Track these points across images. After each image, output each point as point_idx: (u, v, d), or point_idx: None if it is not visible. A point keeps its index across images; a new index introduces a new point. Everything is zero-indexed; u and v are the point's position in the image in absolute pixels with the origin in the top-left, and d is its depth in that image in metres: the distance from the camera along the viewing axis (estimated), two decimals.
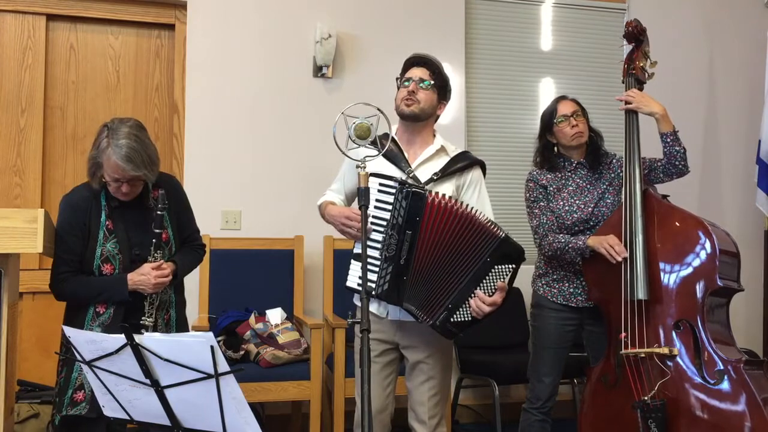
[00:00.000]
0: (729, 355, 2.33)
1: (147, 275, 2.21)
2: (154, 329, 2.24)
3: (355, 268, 2.15)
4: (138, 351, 1.55)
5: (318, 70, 3.87)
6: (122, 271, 2.25)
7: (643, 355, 2.42)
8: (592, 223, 2.66)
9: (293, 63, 3.86)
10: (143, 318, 2.22)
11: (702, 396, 2.32)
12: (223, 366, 1.52)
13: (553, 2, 4.34)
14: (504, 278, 2.13)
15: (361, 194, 1.93)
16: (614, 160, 2.75)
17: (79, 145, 3.68)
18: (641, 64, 2.73)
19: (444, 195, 2.14)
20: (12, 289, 2.25)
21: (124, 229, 2.29)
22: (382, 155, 2.15)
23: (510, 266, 2.14)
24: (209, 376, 1.52)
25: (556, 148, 2.77)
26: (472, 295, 2.13)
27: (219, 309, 3.48)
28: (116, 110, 3.73)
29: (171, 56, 3.85)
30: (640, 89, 2.71)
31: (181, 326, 2.44)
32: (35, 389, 3.06)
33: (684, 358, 2.37)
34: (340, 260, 3.60)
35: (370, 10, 3.98)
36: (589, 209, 2.66)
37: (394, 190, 2.11)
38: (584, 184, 2.71)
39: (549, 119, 2.74)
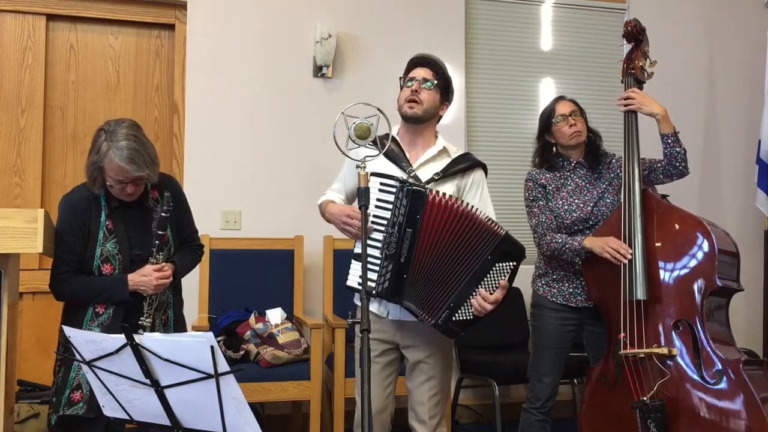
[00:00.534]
0: (728, 355, 2.33)
1: (149, 276, 2.22)
2: (152, 329, 2.24)
3: (355, 267, 2.15)
4: (138, 351, 1.55)
5: (318, 70, 3.87)
6: (122, 271, 2.25)
7: (642, 355, 2.42)
8: (591, 223, 2.66)
9: (293, 63, 3.86)
10: (141, 318, 2.22)
11: (701, 396, 2.32)
12: (223, 366, 1.52)
13: (553, 2, 4.34)
14: (505, 276, 2.14)
15: (361, 194, 1.93)
16: (614, 160, 2.75)
17: (79, 145, 3.68)
18: (640, 64, 2.73)
19: (444, 193, 2.14)
20: (12, 289, 2.25)
21: (124, 229, 2.29)
22: (383, 155, 2.15)
23: (511, 264, 2.14)
24: (209, 376, 1.52)
25: (554, 148, 2.77)
26: (474, 293, 2.13)
27: (219, 309, 3.48)
28: (116, 110, 3.73)
29: (171, 56, 3.85)
30: (640, 89, 2.70)
31: (179, 326, 2.44)
32: (35, 389, 3.06)
33: (683, 358, 2.37)
34: (340, 260, 3.60)
35: (370, 10, 3.98)
36: (589, 208, 2.66)
37: (394, 189, 2.11)
38: (583, 183, 2.71)
39: (547, 119, 2.74)
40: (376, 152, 2.04)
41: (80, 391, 2.20)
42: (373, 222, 2.12)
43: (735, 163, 4.51)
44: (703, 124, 4.50)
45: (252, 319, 3.31)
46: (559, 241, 2.60)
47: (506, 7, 4.27)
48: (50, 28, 3.71)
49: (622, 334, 2.45)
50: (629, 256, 2.46)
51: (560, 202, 2.68)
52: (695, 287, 2.41)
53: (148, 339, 1.55)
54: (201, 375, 1.53)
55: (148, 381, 1.59)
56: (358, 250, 2.16)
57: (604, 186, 2.71)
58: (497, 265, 2.13)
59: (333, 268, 3.64)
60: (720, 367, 2.30)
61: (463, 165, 2.32)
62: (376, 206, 2.11)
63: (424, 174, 2.27)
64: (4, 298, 2.16)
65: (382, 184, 2.12)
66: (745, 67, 4.52)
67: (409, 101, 2.28)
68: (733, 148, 4.50)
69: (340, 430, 3.20)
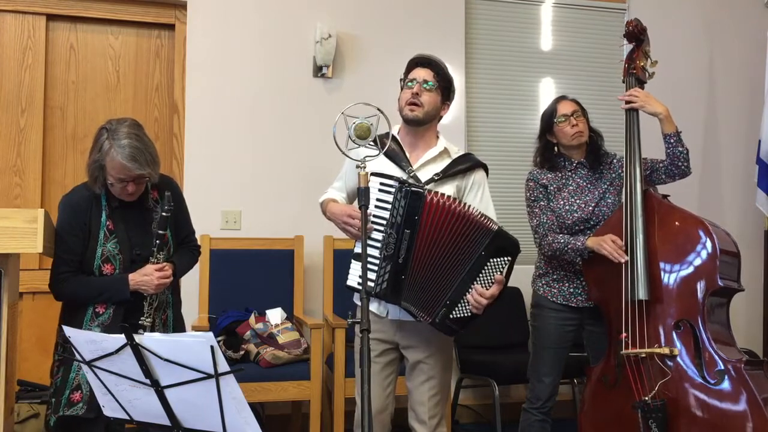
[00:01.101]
0: (729, 355, 2.33)
1: (150, 276, 2.22)
2: (152, 329, 2.24)
3: (355, 267, 2.15)
4: (138, 351, 1.55)
5: (318, 70, 3.87)
6: (123, 271, 2.25)
7: (643, 355, 2.42)
8: (592, 223, 2.66)
9: (293, 63, 3.86)
10: (141, 318, 2.22)
11: (702, 396, 2.32)
12: (223, 366, 1.52)
13: (553, 2, 4.34)
14: (500, 271, 2.13)
15: (361, 194, 1.93)
16: (615, 161, 2.75)
17: (79, 145, 3.68)
18: (642, 64, 2.73)
19: (443, 194, 2.14)
20: (12, 289, 2.25)
21: (125, 229, 2.30)
22: (384, 154, 2.15)
23: (505, 259, 2.14)
24: (209, 376, 1.52)
25: (556, 148, 2.77)
26: (470, 290, 2.12)
27: (219, 309, 3.48)
28: (116, 110, 3.73)
29: (171, 56, 3.85)
30: (641, 89, 2.70)
31: (179, 326, 2.45)
32: (35, 389, 3.05)
33: (684, 358, 2.37)
34: (340, 260, 3.60)
35: (370, 10, 3.98)
36: (590, 209, 2.66)
37: (393, 190, 2.11)
38: (585, 183, 2.71)
39: (549, 119, 2.74)
40: (377, 152, 2.03)
41: (80, 391, 2.20)
42: (372, 222, 2.12)
43: (735, 163, 4.51)
44: (703, 124, 4.50)
45: (252, 319, 3.31)
46: (561, 241, 2.60)
47: (506, 7, 4.27)
48: (50, 28, 3.71)
49: (624, 334, 2.45)
50: (622, 259, 2.46)
51: (561, 203, 2.67)
52: (696, 287, 2.40)
53: (148, 339, 1.55)
54: (201, 375, 1.53)
55: (148, 381, 1.59)
56: (358, 249, 2.16)
57: (606, 186, 2.70)
58: (492, 260, 2.13)
59: (333, 268, 3.64)
60: (721, 368, 2.30)
61: (463, 165, 2.32)
62: (376, 206, 2.11)
63: (424, 174, 2.27)
64: (4, 298, 2.16)
65: (381, 184, 2.12)
66: (745, 67, 4.52)
67: (409, 104, 2.27)
68: (733, 148, 4.50)
69: (340, 430, 3.20)
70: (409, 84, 2.30)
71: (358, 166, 1.94)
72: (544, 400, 2.70)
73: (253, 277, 3.59)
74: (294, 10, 3.87)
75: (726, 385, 2.28)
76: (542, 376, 2.70)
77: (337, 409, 3.19)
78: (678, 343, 2.39)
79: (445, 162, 2.31)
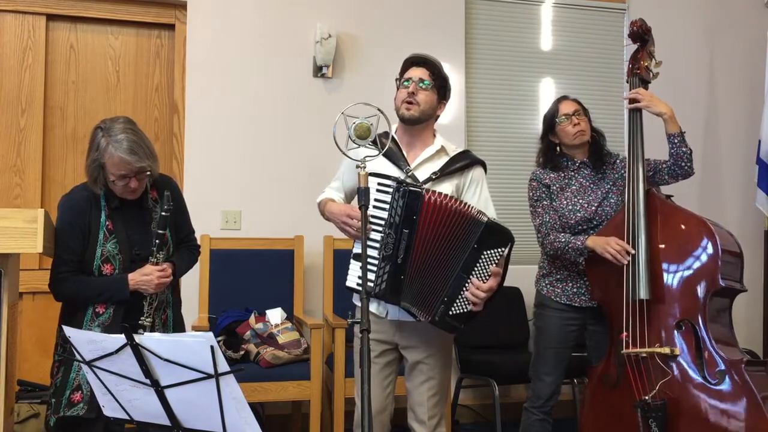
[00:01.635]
0: (730, 356, 2.33)
1: (150, 275, 2.22)
2: (152, 329, 2.24)
3: (354, 267, 2.15)
4: (138, 351, 1.55)
5: (318, 70, 3.87)
6: (122, 271, 2.25)
7: (644, 355, 2.42)
8: (595, 223, 2.66)
9: (293, 63, 3.86)
10: (141, 318, 2.22)
11: (703, 396, 2.32)
12: (223, 366, 1.52)
13: (553, 2, 4.34)
14: (495, 263, 2.12)
15: (361, 194, 1.93)
16: (618, 161, 2.75)
17: (79, 145, 3.68)
18: (645, 64, 2.73)
19: (441, 193, 2.14)
20: (12, 289, 2.25)
21: (124, 229, 2.29)
22: (382, 154, 2.15)
23: (499, 250, 2.13)
24: (209, 376, 1.52)
25: (558, 148, 2.77)
26: (466, 285, 2.12)
27: (219, 309, 3.48)
28: (116, 110, 3.72)
29: (171, 56, 3.85)
30: (645, 89, 2.71)
31: (178, 326, 2.45)
32: (35, 389, 3.05)
33: (685, 358, 2.37)
34: (340, 260, 3.59)
35: (370, 10, 3.98)
36: (593, 208, 2.66)
37: (391, 190, 2.11)
38: (587, 183, 2.71)
39: (551, 119, 2.74)
40: (376, 152, 2.03)
41: (80, 391, 2.20)
42: (371, 222, 2.11)
43: (735, 163, 4.51)
44: (703, 124, 4.50)
45: (252, 319, 3.31)
46: (563, 240, 2.60)
47: (506, 7, 4.27)
48: (50, 28, 3.71)
49: (624, 334, 2.45)
50: (625, 261, 2.46)
51: (564, 202, 2.68)
52: (698, 287, 2.41)
53: (148, 339, 1.55)
54: (201, 375, 1.53)
55: (148, 381, 1.59)
56: (356, 250, 2.16)
57: (609, 186, 2.70)
58: (485, 253, 2.12)
59: (333, 268, 3.64)
60: (722, 368, 2.30)
61: (461, 163, 2.32)
62: (374, 206, 2.11)
63: (422, 173, 2.27)
64: (4, 298, 2.16)
65: (379, 184, 2.12)
66: (745, 67, 4.52)
67: (406, 103, 2.27)
68: (733, 148, 4.50)
69: (340, 430, 3.20)
70: (405, 83, 2.30)
71: (358, 166, 1.94)
72: (545, 399, 2.70)
73: (253, 277, 3.59)
74: (294, 10, 3.87)
75: (726, 385, 2.28)
76: (543, 375, 2.71)
77: (337, 409, 3.19)
78: (679, 343, 2.39)
79: (443, 160, 2.31)
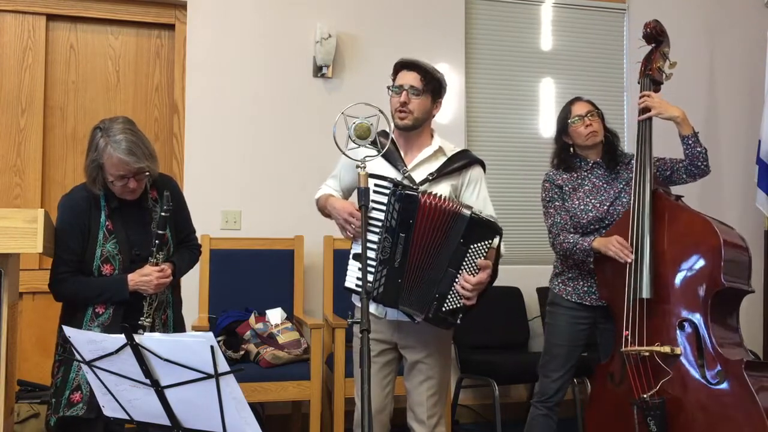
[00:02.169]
0: (731, 356, 2.32)
1: (149, 276, 2.21)
2: (152, 329, 2.24)
3: (352, 268, 2.15)
4: (138, 351, 1.55)
5: (318, 70, 3.87)
6: (122, 271, 2.25)
7: (645, 354, 2.42)
8: (607, 222, 2.67)
9: (293, 63, 3.86)
10: (141, 318, 2.22)
11: (702, 396, 2.32)
12: (223, 366, 1.52)
13: (553, 2, 4.34)
14: (482, 256, 2.12)
15: (361, 194, 1.93)
16: (631, 161, 2.75)
17: (79, 145, 3.67)
18: (658, 65, 2.75)
19: (436, 194, 2.13)
20: (12, 289, 2.25)
21: (124, 229, 2.29)
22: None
23: (485, 242, 2.11)
24: (209, 376, 1.52)
25: (572, 149, 2.77)
26: (456, 280, 2.11)
27: (219, 309, 3.48)
28: (116, 110, 3.72)
29: (171, 56, 3.85)
30: (656, 90, 2.72)
31: (179, 326, 2.44)
32: (35, 389, 3.05)
33: (686, 358, 2.38)
34: (340, 260, 3.59)
35: (370, 10, 3.98)
36: (605, 208, 2.67)
37: (387, 192, 2.10)
38: (600, 183, 2.72)
39: (564, 120, 2.75)
40: (376, 152, 2.03)
41: (80, 392, 2.20)
42: (368, 223, 2.10)
43: (735, 163, 4.51)
44: (703, 124, 4.49)
45: (252, 319, 3.31)
46: (571, 241, 2.63)
47: (506, 7, 4.27)
48: (50, 28, 3.71)
49: (626, 332, 2.46)
50: (628, 259, 2.47)
51: (576, 202, 2.69)
52: (700, 287, 2.40)
53: (148, 339, 1.55)
54: (201, 375, 1.53)
55: (148, 381, 1.59)
56: (355, 250, 2.16)
57: (622, 186, 2.71)
58: (472, 246, 2.11)
59: (333, 268, 3.64)
60: (722, 368, 2.30)
61: (459, 163, 2.31)
62: (372, 208, 2.10)
63: (419, 174, 2.26)
64: (4, 298, 2.16)
65: (376, 185, 2.11)
66: (745, 67, 4.52)
67: (399, 112, 2.26)
68: (733, 148, 4.50)
69: (340, 430, 3.20)
70: (396, 90, 2.28)
71: (358, 166, 1.94)
72: (550, 395, 2.72)
73: (253, 277, 3.59)
74: (294, 10, 3.87)
75: (726, 385, 2.28)
76: (550, 372, 2.73)
77: (337, 409, 3.19)
78: (680, 343, 2.40)
79: (440, 161, 2.30)
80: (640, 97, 2.70)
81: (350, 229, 2.18)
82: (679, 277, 2.46)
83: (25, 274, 2.84)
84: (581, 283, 2.71)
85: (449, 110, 4.05)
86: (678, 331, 2.41)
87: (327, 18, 3.84)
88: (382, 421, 2.32)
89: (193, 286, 3.46)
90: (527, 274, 3.91)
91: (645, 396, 2.36)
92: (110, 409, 1.75)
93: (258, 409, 3.43)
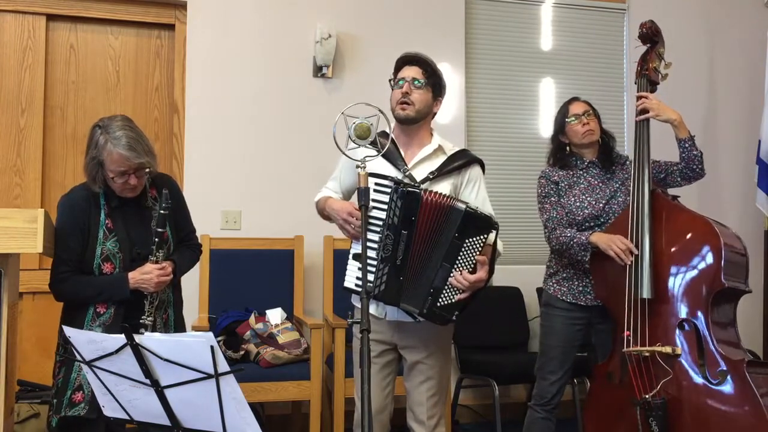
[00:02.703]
0: (732, 356, 2.33)
1: (150, 274, 2.22)
2: (153, 329, 2.24)
3: (352, 268, 2.15)
4: (138, 351, 1.55)
5: (318, 70, 3.87)
6: (123, 269, 2.25)
7: (646, 354, 2.42)
8: (602, 220, 2.68)
9: (293, 63, 3.86)
10: (142, 317, 2.22)
11: (704, 396, 2.32)
12: (223, 366, 1.52)
13: (553, 2, 4.34)
14: (478, 251, 2.11)
15: (361, 194, 1.93)
16: (628, 162, 2.79)
17: (79, 145, 3.67)
18: (654, 65, 2.75)
19: (437, 192, 2.13)
20: (12, 289, 2.25)
21: (124, 227, 2.29)
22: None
23: (482, 237, 2.11)
24: (209, 376, 1.52)
25: (568, 149, 2.78)
26: (452, 274, 2.11)
27: (219, 309, 3.48)
28: (116, 110, 3.72)
29: (171, 56, 3.85)
30: (653, 90, 2.73)
31: (179, 326, 2.44)
32: (35, 389, 3.05)
33: (687, 358, 2.37)
34: (340, 260, 3.58)
35: (370, 10, 3.98)
36: (600, 206, 2.68)
37: (389, 190, 2.10)
38: (596, 182, 2.73)
39: (561, 120, 2.77)
40: (376, 153, 2.03)
41: (81, 392, 2.20)
42: (369, 223, 2.11)
43: (735, 163, 4.51)
44: (703, 124, 4.50)
45: (252, 319, 3.31)
46: (568, 235, 2.62)
47: (506, 7, 4.27)
48: (50, 28, 3.71)
49: (627, 332, 2.46)
50: (628, 261, 2.47)
51: (572, 199, 2.70)
52: (701, 287, 2.40)
53: (148, 339, 1.55)
54: (201, 375, 1.53)
55: (148, 381, 1.59)
56: (355, 250, 2.16)
57: (617, 185, 2.72)
58: (467, 241, 2.10)
59: (333, 268, 3.64)
60: (723, 368, 2.30)
61: (459, 162, 2.32)
62: (372, 207, 2.10)
63: (420, 173, 2.27)
64: (4, 298, 2.16)
65: (376, 184, 2.11)
66: (745, 67, 4.52)
67: (401, 103, 2.27)
68: (733, 148, 4.50)
69: (340, 430, 3.20)
70: (399, 83, 2.30)
71: (358, 166, 1.94)
72: (548, 398, 2.71)
73: (253, 277, 3.59)
74: (294, 10, 3.87)
75: (727, 385, 2.28)
76: (547, 374, 2.72)
77: (337, 409, 3.19)
78: (681, 343, 2.39)
79: (440, 159, 2.31)
80: (638, 98, 2.71)
81: (350, 229, 2.18)
82: (679, 278, 2.46)
83: (25, 274, 2.84)
84: (576, 283, 2.71)
85: (449, 110, 4.05)
86: (678, 331, 2.41)
87: (327, 18, 3.84)
88: (382, 421, 2.32)
89: (193, 286, 3.45)
90: (527, 274, 3.91)
91: (647, 396, 2.36)
92: (110, 409, 1.75)
93: (258, 409, 3.43)
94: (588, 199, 2.69)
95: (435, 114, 2.38)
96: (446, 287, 2.12)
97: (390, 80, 2.36)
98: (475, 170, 2.36)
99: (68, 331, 1.63)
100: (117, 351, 1.57)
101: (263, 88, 3.82)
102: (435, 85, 2.31)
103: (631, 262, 2.49)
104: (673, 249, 2.49)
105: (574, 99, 2.81)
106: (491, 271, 2.16)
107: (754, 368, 2.29)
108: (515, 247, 3.97)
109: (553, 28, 4.35)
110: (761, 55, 4.32)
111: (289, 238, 3.68)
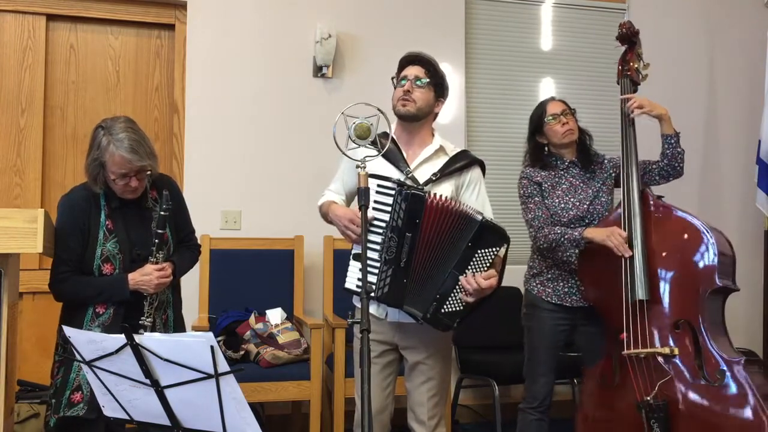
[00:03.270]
0: (729, 355, 2.33)
1: (149, 275, 2.22)
2: (153, 329, 2.24)
3: (353, 269, 2.15)
4: (138, 351, 1.55)
5: (318, 70, 3.87)
6: (123, 270, 2.25)
7: (643, 356, 2.42)
8: (587, 221, 2.66)
9: (293, 63, 3.86)
10: (142, 318, 2.22)
11: (702, 395, 2.32)
12: (223, 366, 1.52)
13: (553, 2, 4.34)
14: (489, 263, 2.12)
15: (361, 194, 1.93)
16: (605, 161, 2.77)
17: (79, 145, 3.68)
18: (635, 66, 2.74)
19: (443, 196, 2.14)
20: (12, 289, 2.25)
21: (125, 228, 2.30)
22: (381, 155, 2.14)
23: (494, 249, 2.12)
24: (209, 376, 1.52)
25: (546, 149, 2.77)
26: (459, 283, 2.11)
27: (219, 309, 3.48)
28: (116, 110, 3.73)
29: (171, 56, 3.85)
30: (635, 91, 2.73)
31: (179, 326, 2.44)
32: (35, 389, 3.05)
33: (684, 358, 2.37)
34: (340, 260, 3.59)
35: (370, 10, 3.98)
36: (585, 206, 2.66)
37: (393, 192, 2.10)
38: (577, 182, 2.72)
39: (539, 120, 2.74)
40: (376, 153, 2.03)
41: (80, 392, 2.20)
42: (370, 224, 2.10)
43: (735, 163, 4.50)
44: (703, 124, 4.50)
45: (252, 319, 3.31)
46: (558, 232, 2.58)
47: (506, 7, 4.27)
48: (50, 28, 3.71)
49: (624, 335, 2.45)
50: (627, 254, 2.47)
51: (556, 201, 2.68)
52: (696, 287, 2.40)
53: (148, 339, 1.55)
54: (201, 375, 1.53)
55: (148, 381, 1.59)
56: (356, 251, 2.16)
57: (599, 185, 2.72)
58: (479, 251, 2.11)
59: (333, 268, 3.64)
60: (722, 367, 2.30)
61: (460, 163, 2.32)
62: (374, 208, 2.10)
63: (422, 174, 2.27)
64: (4, 298, 2.16)
65: (379, 186, 2.11)
66: (745, 67, 4.51)
67: (402, 99, 2.27)
68: (733, 148, 4.50)
69: (340, 430, 3.20)
70: (402, 82, 2.30)
71: (358, 166, 1.94)
72: (540, 399, 2.69)
73: (253, 277, 3.59)
74: (294, 10, 3.87)
75: (726, 384, 2.28)
76: (539, 376, 2.70)
77: (337, 409, 3.19)
78: (678, 343, 2.39)
79: (442, 160, 2.31)
80: (627, 99, 2.68)
81: (351, 235, 2.18)
82: (673, 278, 2.46)
83: (25, 274, 2.84)
84: (561, 284, 2.68)
85: (449, 110, 4.05)
86: (675, 332, 2.41)
87: (327, 18, 3.84)
88: (383, 421, 2.32)
89: (193, 286, 3.45)
90: (522, 274, 3.91)
91: (648, 398, 2.35)
92: (110, 409, 1.75)
93: (258, 409, 3.43)
94: (572, 200, 2.67)
95: (437, 115, 2.38)
96: (452, 294, 2.13)
97: (392, 78, 2.36)
98: (476, 172, 2.36)
99: (68, 331, 1.63)
100: (117, 351, 1.57)
101: (263, 88, 3.82)
102: (437, 85, 2.32)
103: (625, 261, 2.48)
104: (666, 249, 2.49)
105: (551, 98, 2.80)
106: (499, 282, 2.17)
107: (751, 366, 2.29)
108: (515, 247, 3.92)
109: (553, 28, 4.35)
110: (761, 55, 4.32)
111: (289, 238, 3.68)
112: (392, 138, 2.27)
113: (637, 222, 2.51)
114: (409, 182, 2.20)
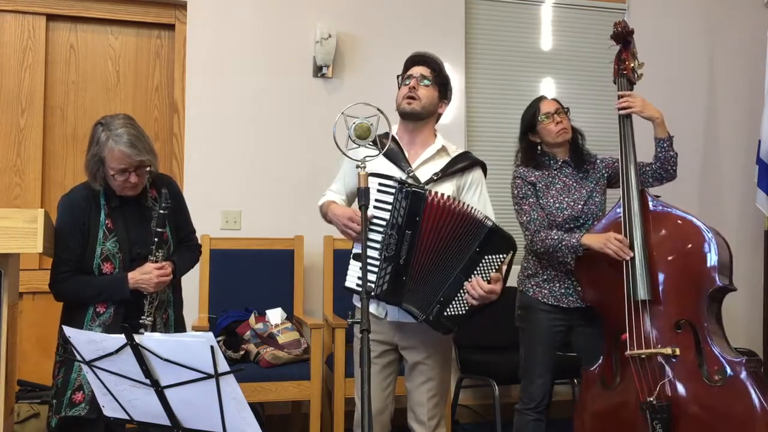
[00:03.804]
0: (730, 355, 2.33)
1: (149, 274, 2.22)
2: (153, 329, 2.24)
3: (353, 268, 2.15)
4: (138, 351, 1.55)
5: (318, 70, 3.87)
6: (123, 269, 2.25)
7: (645, 356, 2.41)
8: (582, 221, 2.66)
9: (293, 63, 3.86)
10: (142, 318, 2.22)
11: (704, 395, 2.32)
12: (223, 366, 1.52)
13: (553, 2, 4.34)
14: (495, 269, 2.13)
15: (361, 194, 1.93)
16: (598, 160, 2.76)
17: (79, 145, 3.67)
18: (631, 65, 2.75)
19: (443, 194, 2.14)
20: (12, 289, 2.25)
21: (124, 227, 2.30)
22: (383, 155, 2.15)
23: (500, 256, 2.13)
24: (209, 376, 1.52)
25: (539, 148, 2.77)
26: (464, 287, 2.12)
27: (219, 309, 3.48)
28: (116, 110, 3.71)
29: (171, 56, 3.85)
30: (630, 89, 2.72)
31: (179, 326, 2.44)
32: (35, 389, 3.05)
33: (686, 358, 2.37)
34: (340, 260, 3.60)
35: (370, 10, 3.98)
36: (579, 206, 2.66)
37: (393, 190, 2.11)
38: (571, 182, 2.71)
39: (531, 119, 2.74)
40: (376, 152, 2.03)
41: (82, 392, 2.20)
42: (371, 223, 2.11)
43: (735, 163, 4.50)
44: (703, 124, 4.50)
45: (252, 319, 3.31)
46: (555, 237, 2.57)
47: (506, 7, 4.27)
48: (50, 28, 3.71)
49: (625, 335, 2.45)
50: (628, 257, 2.47)
51: (551, 200, 2.67)
52: (697, 286, 2.40)
53: (148, 339, 1.55)
54: (201, 375, 1.53)
55: (148, 381, 1.59)
56: (356, 250, 2.16)
57: (592, 185, 2.71)
58: (486, 257, 2.12)
59: (333, 268, 3.64)
60: (723, 367, 2.30)
61: (462, 164, 2.32)
62: (375, 207, 2.11)
63: (423, 174, 2.27)
64: (4, 298, 2.16)
65: (380, 184, 2.12)
66: (745, 67, 4.51)
67: (407, 97, 2.28)
68: (733, 148, 4.50)
69: (340, 430, 3.20)
70: (407, 80, 2.31)
71: (358, 166, 1.94)
72: (538, 400, 2.68)
73: (253, 277, 3.59)
74: (294, 10, 3.87)
75: (728, 384, 2.29)
76: (536, 377, 2.69)
77: (337, 409, 3.19)
78: (680, 343, 2.39)
79: (444, 160, 2.31)
80: (621, 97, 2.68)
81: (351, 233, 2.18)
82: (674, 278, 2.46)
83: (25, 274, 2.84)
84: (558, 285, 2.67)
85: (449, 110, 3.98)
86: (676, 332, 2.41)
87: (327, 18, 3.84)
88: (383, 421, 2.32)
89: (193, 286, 3.45)
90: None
91: (651, 399, 2.35)
92: (110, 409, 1.75)
93: (258, 409, 3.43)
94: (566, 200, 2.67)
95: (440, 116, 2.38)
96: (456, 298, 2.13)
97: (398, 77, 2.37)
98: (477, 173, 2.36)
99: (68, 331, 1.63)
100: (117, 351, 1.57)
101: (263, 88, 3.82)
102: (442, 86, 2.34)
103: (625, 261, 2.48)
104: (665, 249, 2.49)
105: (543, 98, 2.79)
106: (502, 289, 2.17)
107: (752, 366, 2.30)
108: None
109: (553, 28, 4.35)
110: (761, 55, 4.32)
111: (289, 238, 3.68)
112: (394, 138, 2.28)
113: (636, 221, 2.51)
114: (410, 181, 2.20)
